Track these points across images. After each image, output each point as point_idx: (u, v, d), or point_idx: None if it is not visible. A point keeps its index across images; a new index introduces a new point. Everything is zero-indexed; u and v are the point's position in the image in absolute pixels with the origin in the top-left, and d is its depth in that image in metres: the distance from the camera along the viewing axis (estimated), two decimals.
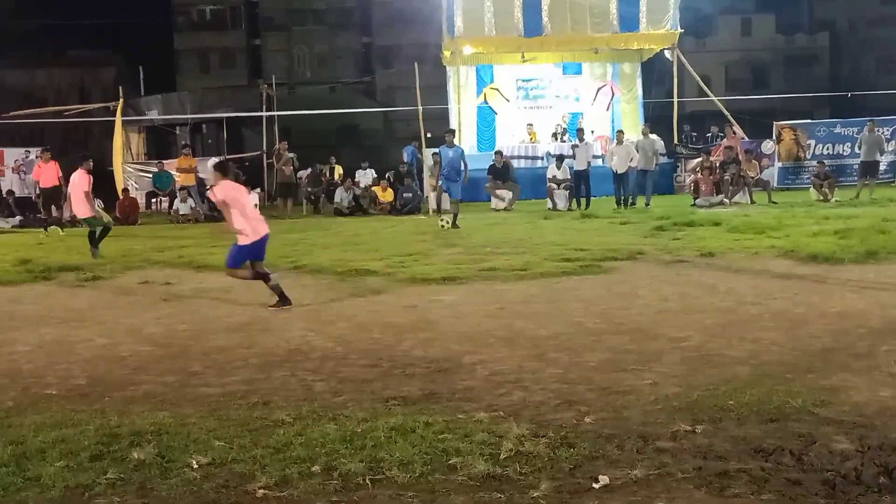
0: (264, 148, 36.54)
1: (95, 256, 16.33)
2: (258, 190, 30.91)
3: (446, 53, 34.44)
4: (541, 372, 7.09)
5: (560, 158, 27.27)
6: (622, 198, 25.62)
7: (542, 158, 31.28)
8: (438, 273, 12.75)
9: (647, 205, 25.13)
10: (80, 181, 17.25)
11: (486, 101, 34.89)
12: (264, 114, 37.19)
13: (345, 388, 6.75)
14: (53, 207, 24.68)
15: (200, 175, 29.86)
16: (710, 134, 34.76)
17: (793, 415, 5.63)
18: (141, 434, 5.52)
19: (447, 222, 20.18)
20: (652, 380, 6.68)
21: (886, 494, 4.42)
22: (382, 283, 12.32)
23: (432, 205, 26.16)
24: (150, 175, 32.88)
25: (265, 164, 35.83)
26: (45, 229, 23.35)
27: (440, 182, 22.22)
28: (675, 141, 33.94)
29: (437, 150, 22.90)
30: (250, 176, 33.21)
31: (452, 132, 23.32)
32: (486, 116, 34.94)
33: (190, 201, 27.97)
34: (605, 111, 34.74)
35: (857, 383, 6.38)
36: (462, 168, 21.32)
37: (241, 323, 9.77)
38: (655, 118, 34.02)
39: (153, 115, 39.08)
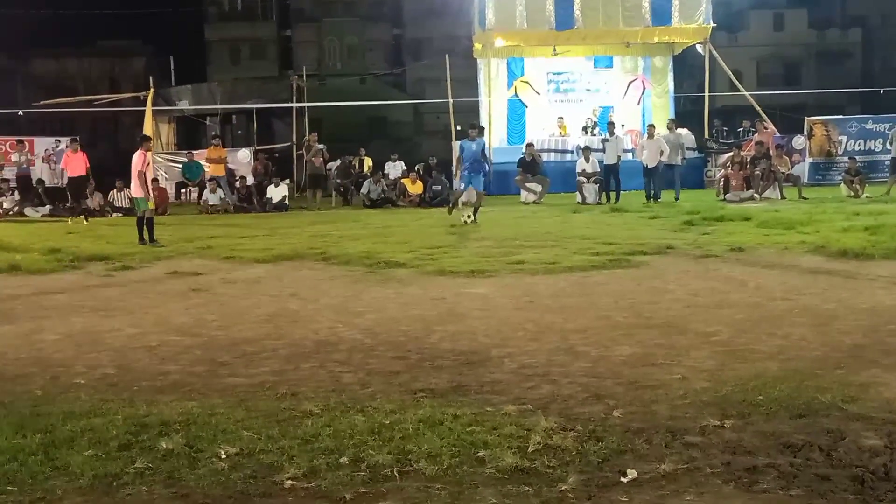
0: (294, 139, 36.60)
1: (150, 244, 16.82)
2: (287, 181, 30.93)
3: (477, 46, 34.41)
4: (569, 365, 7.07)
5: (587, 150, 27.20)
6: (652, 192, 25.52)
7: (573, 152, 31.17)
8: (467, 266, 12.72)
9: (676, 199, 25.03)
10: (137, 161, 17.57)
11: (516, 94, 34.85)
12: (294, 105, 37.28)
13: (373, 380, 6.75)
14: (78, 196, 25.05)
15: (230, 166, 29.97)
16: (741, 129, 34.56)
17: (822, 410, 5.59)
18: (169, 424, 5.54)
19: (469, 216, 20.09)
20: (681, 374, 6.65)
21: None
22: (411, 275, 12.32)
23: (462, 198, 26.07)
24: (180, 165, 33.03)
25: (295, 156, 35.93)
26: (78, 216, 23.73)
27: (460, 176, 21.95)
28: (706, 136, 33.81)
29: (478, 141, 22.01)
30: (280, 167, 33.35)
31: (473, 125, 23.01)
32: (517, 109, 34.90)
33: (219, 192, 28.03)
34: (636, 105, 34.68)
35: (886, 379, 6.33)
36: (483, 161, 21.16)
37: (269, 314, 9.79)
38: (686, 112, 33.95)
39: (183, 105, 39.20)
